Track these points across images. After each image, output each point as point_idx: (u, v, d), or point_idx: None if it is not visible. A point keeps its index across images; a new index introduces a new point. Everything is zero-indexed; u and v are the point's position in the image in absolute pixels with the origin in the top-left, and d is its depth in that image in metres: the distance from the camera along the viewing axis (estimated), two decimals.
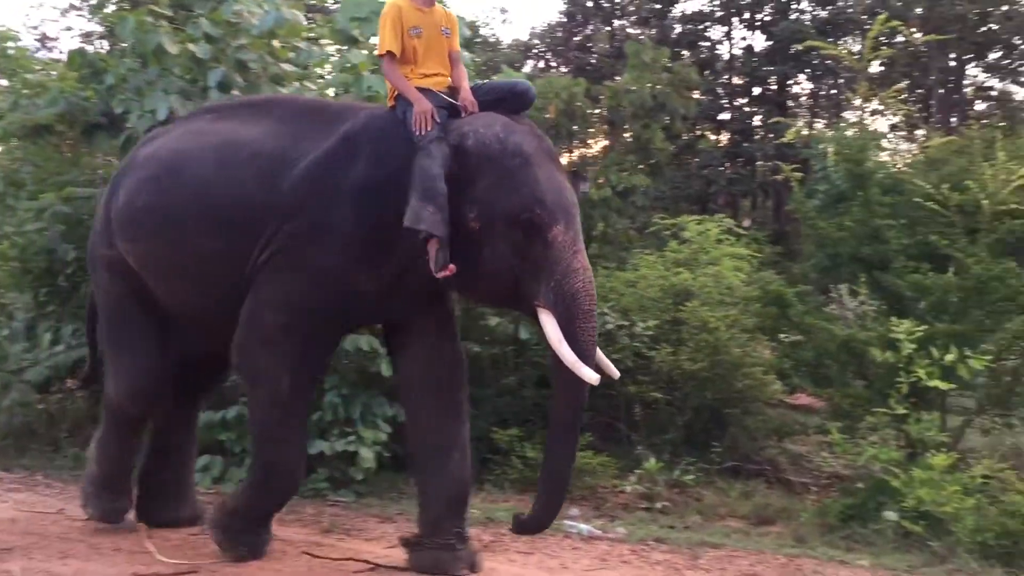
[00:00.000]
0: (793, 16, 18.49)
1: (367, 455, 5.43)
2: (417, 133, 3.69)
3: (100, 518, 4.54)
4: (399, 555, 4.07)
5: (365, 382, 5.68)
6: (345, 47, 6.15)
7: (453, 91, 3.90)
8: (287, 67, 5.88)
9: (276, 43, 5.76)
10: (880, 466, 5.16)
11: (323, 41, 6.35)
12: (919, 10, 18.38)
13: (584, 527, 4.92)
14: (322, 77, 6.09)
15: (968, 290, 5.79)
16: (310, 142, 3.91)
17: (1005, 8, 18.86)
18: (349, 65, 5.85)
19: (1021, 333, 5.55)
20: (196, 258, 3.99)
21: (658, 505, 5.83)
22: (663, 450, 6.59)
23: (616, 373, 3.85)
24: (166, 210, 4.03)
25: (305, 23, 6.01)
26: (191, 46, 5.58)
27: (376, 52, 4.08)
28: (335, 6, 6.36)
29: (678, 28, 19.34)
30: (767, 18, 18.95)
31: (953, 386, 5.34)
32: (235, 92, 5.47)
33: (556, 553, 4.40)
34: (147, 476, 4.64)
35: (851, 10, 18.08)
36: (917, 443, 5.32)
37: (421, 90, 3.78)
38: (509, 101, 3.93)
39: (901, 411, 5.25)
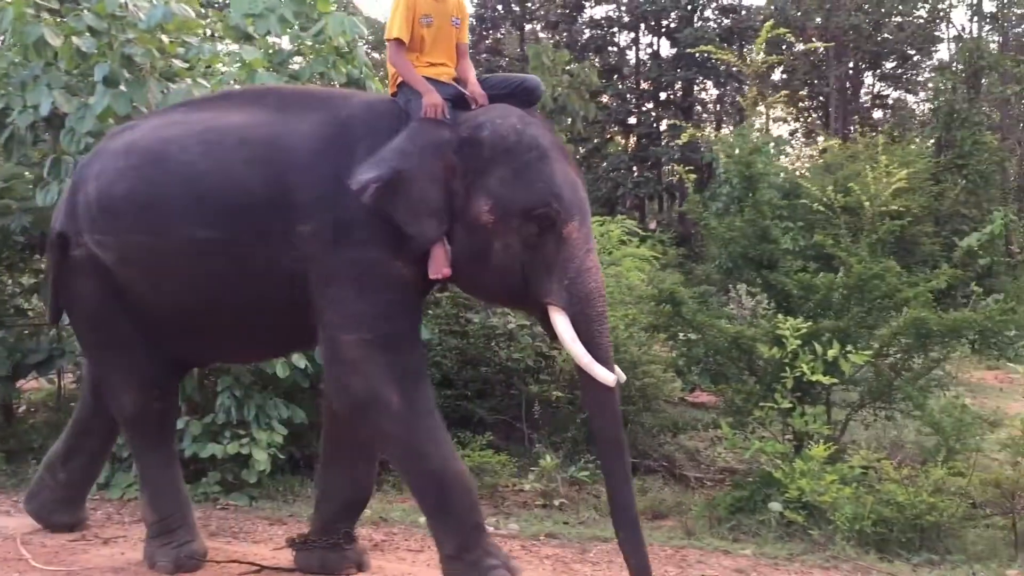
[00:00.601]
0: (698, 24, 18.96)
1: (261, 457, 5.32)
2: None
3: (178, 569, 3.93)
4: (287, 556, 4.02)
5: (260, 383, 5.58)
6: (239, 43, 6.04)
7: (459, 83, 3.78)
8: (178, 63, 5.73)
9: (165, 38, 5.62)
10: (766, 459, 5.32)
11: (219, 37, 6.22)
12: (818, 20, 19.05)
13: None
14: (213, 75, 5.96)
15: (851, 288, 6.02)
16: (303, 128, 3.69)
17: (898, 20, 19.70)
18: (240, 63, 5.74)
19: (901, 330, 5.80)
20: (184, 249, 3.67)
21: (556, 502, 5.89)
22: (563, 448, 6.67)
23: (622, 376, 3.62)
24: (149, 198, 3.70)
25: (196, 18, 5.86)
26: (75, 39, 5.40)
27: (384, 36, 3.89)
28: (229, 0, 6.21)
29: (587, 33, 19.62)
30: (672, 25, 19.37)
31: (835, 381, 5.54)
32: (122, 87, 5.31)
33: None
34: (51, 471, 4.47)
35: (753, 19, 18.63)
36: (802, 436, 5.50)
37: (429, 80, 3.67)
38: (518, 96, 3.78)
39: (786, 405, 5.42)
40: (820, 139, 17.10)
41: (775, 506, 5.09)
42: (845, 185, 6.49)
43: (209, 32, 6.32)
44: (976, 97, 17.76)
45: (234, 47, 6.23)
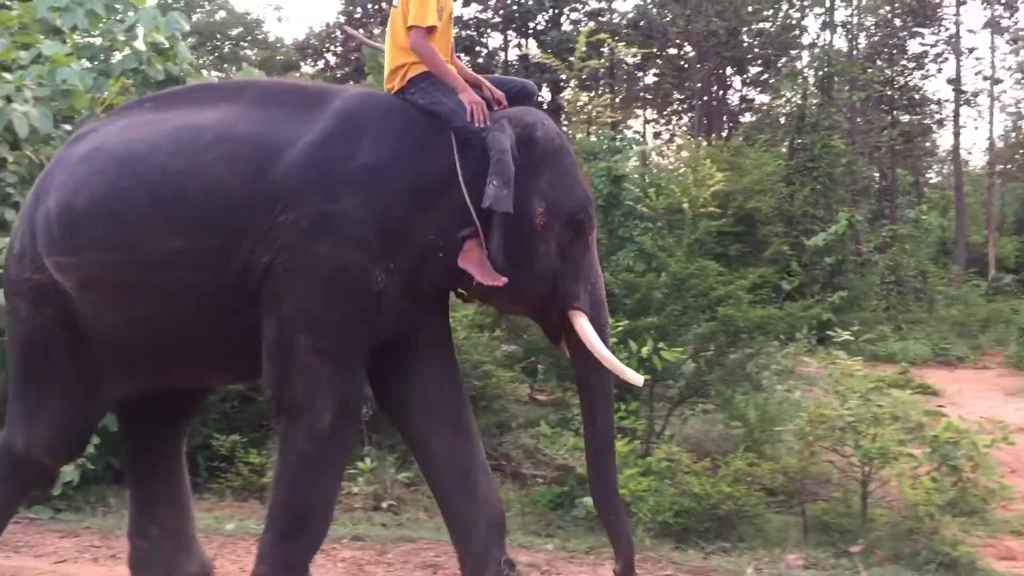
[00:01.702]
0: (565, 27, 19.28)
1: (67, 469, 5.14)
2: (473, 123, 3.34)
3: None
4: (65, 570, 3.89)
5: None
6: (44, 37, 5.81)
7: (467, 81, 3.52)
8: None
9: None
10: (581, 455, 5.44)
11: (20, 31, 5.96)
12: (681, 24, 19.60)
13: None
14: (10, 70, 5.71)
15: (670, 287, 6.23)
16: (293, 125, 3.38)
17: (756, 27, 20.46)
18: (41, 57, 5.53)
19: (715, 327, 6.03)
20: (157, 263, 3.27)
21: (384, 504, 5.88)
22: (398, 450, 6.67)
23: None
24: (116, 207, 3.30)
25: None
26: None
27: (410, 22, 3.40)
28: None
29: (456, 32, 19.67)
30: (540, 27, 19.63)
31: (648, 377, 5.70)
32: None
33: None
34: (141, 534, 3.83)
35: (620, 22, 19.07)
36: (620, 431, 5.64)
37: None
38: (519, 99, 3.64)
39: None
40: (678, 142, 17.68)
41: (587, 501, 5.20)
42: (664, 186, 6.71)
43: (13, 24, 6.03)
44: (827, 103, 18.59)
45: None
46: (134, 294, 3.29)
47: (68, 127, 5.54)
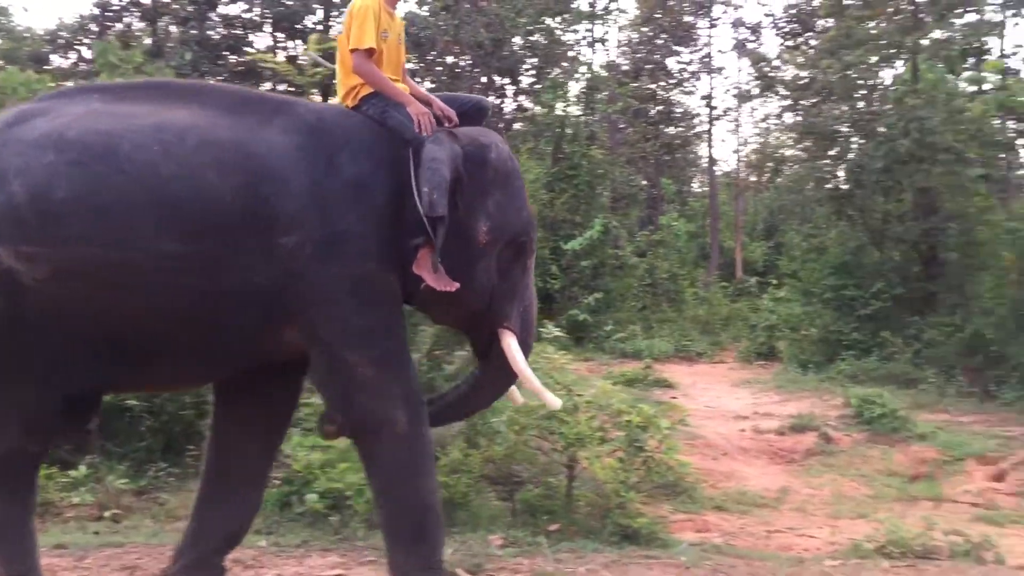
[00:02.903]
0: (336, 30, 19.17)
1: None
2: (421, 133, 3.46)
3: None
4: None
5: None
6: None
7: (417, 98, 3.65)
8: None
9: None
10: (304, 453, 5.55)
11: None
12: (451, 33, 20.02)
13: None
14: None
15: None
16: (272, 135, 3.38)
17: (526, 39, 21.20)
18: None
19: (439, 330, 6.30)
20: (148, 263, 3.21)
21: (107, 514, 5.73)
22: (135, 458, 6.50)
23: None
24: (106, 203, 3.19)
25: None
26: None
27: (351, 46, 3.59)
28: None
29: (222, 31, 19.12)
30: (307, 29, 19.42)
31: None
32: None
33: None
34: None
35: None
36: None
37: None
38: (472, 116, 3.76)
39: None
40: None
41: (311, 498, 5.32)
42: None
43: None
44: (588, 114, 19.63)
45: None
46: (118, 291, 3.23)
47: None
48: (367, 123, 3.58)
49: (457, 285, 3.36)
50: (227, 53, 18.29)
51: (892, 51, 13.30)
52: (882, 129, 13.05)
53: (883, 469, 8.66)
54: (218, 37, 18.83)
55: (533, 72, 23.02)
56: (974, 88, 14.43)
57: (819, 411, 10.48)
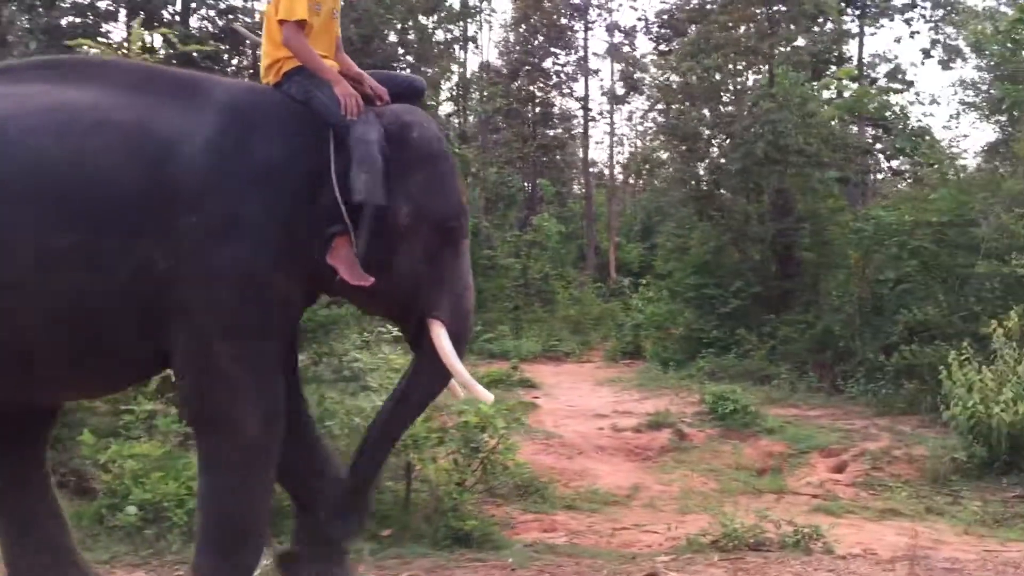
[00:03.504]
0: (197, 22, 18.49)
1: None
2: (345, 116, 3.24)
3: None
4: None
5: None
6: None
7: (348, 77, 3.41)
8: None
9: None
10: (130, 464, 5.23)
11: None
12: None
13: None
14: None
15: None
16: (179, 115, 3.15)
17: (400, 36, 20.97)
18: None
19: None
20: (37, 260, 2.96)
21: None
22: None
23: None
24: None
25: None
26: None
27: (279, 16, 3.35)
28: None
29: (73, 19, 18.13)
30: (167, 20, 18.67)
31: None
32: None
33: None
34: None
35: (249, 19, 18.62)
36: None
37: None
38: (406, 96, 3.54)
39: (148, 407, 5.39)
40: None
41: (131, 510, 5.02)
42: None
43: None
44: (460, 113, 19.57)
45: None
46: (4, 292, 2.96)
47: None
48: (286, 103, 3.38)
49: (371, 281, 3.18)
50: (76, 41, 17.32)
51: (749, 57, 13.68)
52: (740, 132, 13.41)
53: (732, 464, 8.86)
54: (67, 25, 17.83)
55: (407, 70, 22.80)
56: (830, 94, 15.04)
57: (676, 408, 10.67)
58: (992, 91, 13.66)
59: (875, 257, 11.48)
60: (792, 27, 13.52)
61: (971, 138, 33.31)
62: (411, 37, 19.54)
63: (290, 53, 3.40)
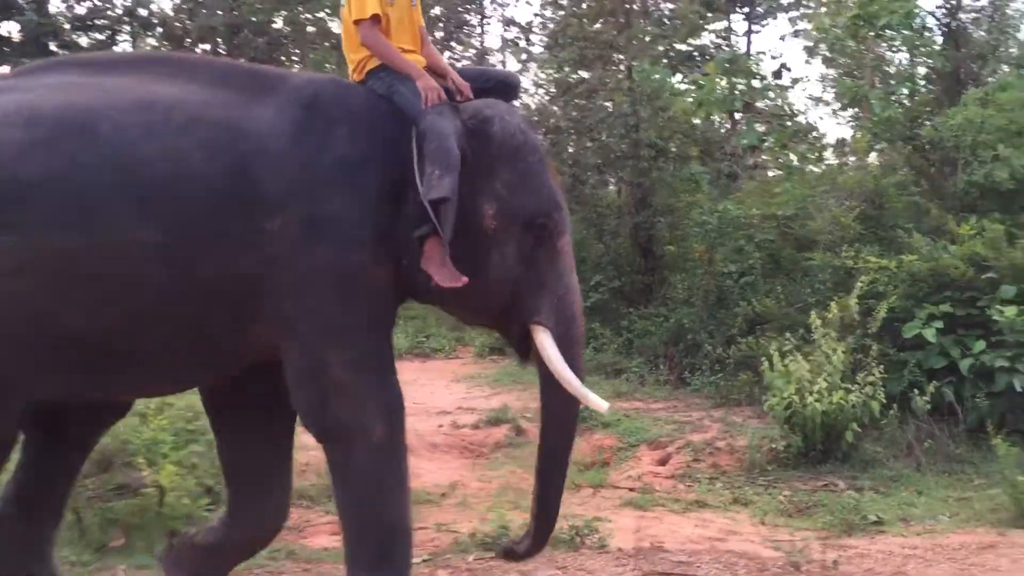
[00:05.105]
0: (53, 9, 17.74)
1: None
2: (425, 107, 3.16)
3: None
4: None
5: None
6: None
7: (433, 71, 3.36)
8: None
9: None
10: None
11: None
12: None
13: None
14: None
15: None
16: (265, 112, 3.10)
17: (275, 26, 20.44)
18: None
19: None
20: (118, 253, 2.95)
21: None
22: None
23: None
24: (76, 185, 2.92)
25: None
26: None
27: (353, 17, 3.33)
28: None
29: None
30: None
31: None
32: None
33: None
34: None
35: (111, 11, 17.99)
36: None
37: None
38: (498, 91, 3.42)
39: None
40: None
41: None
42: None
43: None
44: None
45: None
46: (83, 283, 2.95)
47: None
48: (370, 99, 3.32)
49: (465, 280, 3.05)
50: None
51: (606, 51, 13.69)
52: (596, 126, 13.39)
53: None
54: None
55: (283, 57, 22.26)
56: (687, 86, 15.14)
57: (522, 404, 10.53)
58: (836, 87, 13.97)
59: (721, 250, 11.56)
60: (642, 22, 13.56)
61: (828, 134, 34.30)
62: (279, 27, 19.05)
63: (370, 52, 3.37)
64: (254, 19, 17.88)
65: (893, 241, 9.96)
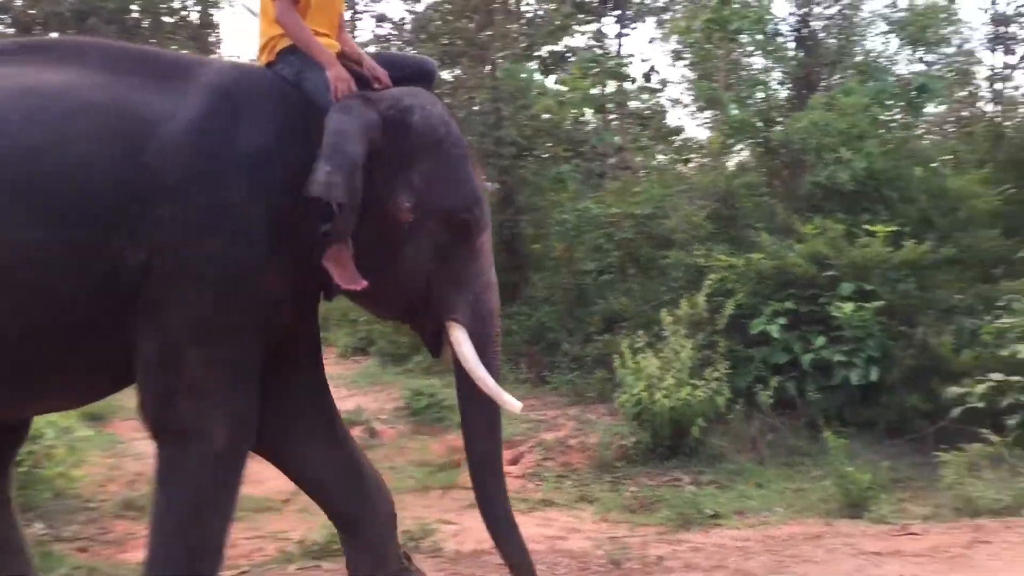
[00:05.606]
0: None
1: None
2: (334, 100, 3.05)
3: None
4: None
5: None
6: None
7: (347, 58, 3.30)
8: None
9: None
10: None
11: None
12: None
13: None
14: None
15: None
16: (162, 97, 2.96)
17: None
18: None
19: None
20: (6, 257, 2.74)
21: None
22: None
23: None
24: None
25: None
26: None
27: None
28: None
29: None
30: None
31: None
32: None
33: None
34: None
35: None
36: None
37: None
38: (415, 80, 3.34)
39: None
40: None
41: None
42: None
43: None
44: None
45: None
46: None
47: None
48: (280, 87, 3.20)
49: (363, 284, 2.95)
50: None
51: (470, 49, 13.59)
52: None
53: (417, 460, 8.63)
54: None
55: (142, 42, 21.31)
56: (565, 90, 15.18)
57: (376, 405, 10.37)
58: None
59: (581, 249, 11.62)
60: (508, 19, 13.53)
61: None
62: (137, 16, 18.16)
63: (284, 31, 3.26)
64: (107, 7, 16.94)
65: (744, 240, 10.21)
